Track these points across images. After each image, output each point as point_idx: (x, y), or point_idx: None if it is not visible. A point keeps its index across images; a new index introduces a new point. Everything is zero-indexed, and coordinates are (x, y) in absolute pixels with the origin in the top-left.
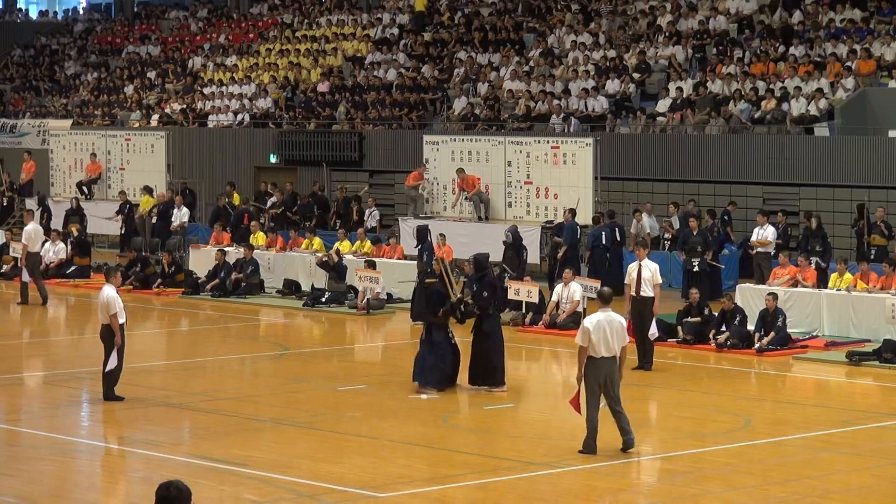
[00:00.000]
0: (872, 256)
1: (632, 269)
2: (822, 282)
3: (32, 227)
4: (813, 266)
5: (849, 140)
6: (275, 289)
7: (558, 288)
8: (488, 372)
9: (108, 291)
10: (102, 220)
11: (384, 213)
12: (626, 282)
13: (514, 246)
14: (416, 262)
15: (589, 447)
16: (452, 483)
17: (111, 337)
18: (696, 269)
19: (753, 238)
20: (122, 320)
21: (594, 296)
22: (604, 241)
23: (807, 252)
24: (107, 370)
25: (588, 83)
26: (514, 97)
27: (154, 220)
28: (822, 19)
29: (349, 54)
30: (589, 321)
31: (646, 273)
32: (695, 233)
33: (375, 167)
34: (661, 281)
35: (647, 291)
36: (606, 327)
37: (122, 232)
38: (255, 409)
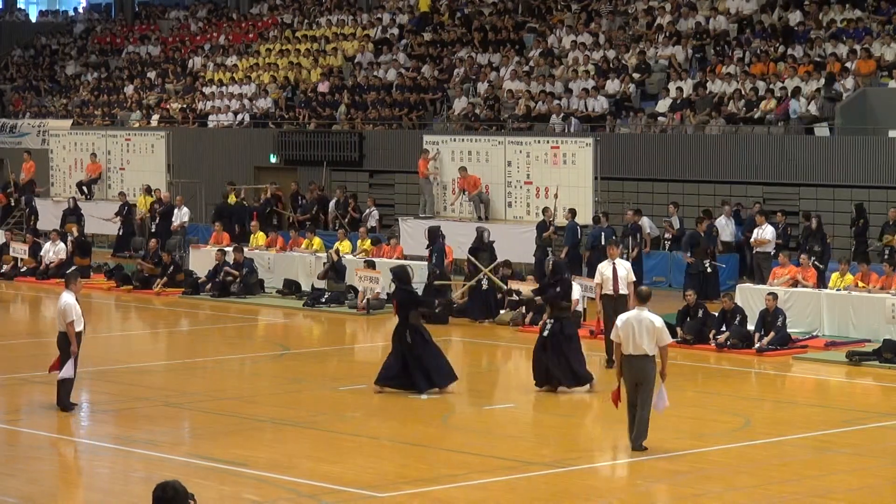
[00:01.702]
0: (886, 256)
1: (604, 267)
2: (822, 282)
3: None
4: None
5: (849, 140)
6: (275, 289)
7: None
8: (574, 373)
9: (67, 299)
10: (102, 221)
11: (384, 213)
12: (596, 281)
13: (489, 248)
14: (425, 264)
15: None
16: (452, 483)
17: (67, 345)
18: (708, 269)
19: (753, 238)
20: (79, 328)
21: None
22: (602, 242)
23: (806, 252)
24: (61, 378)
25: (588, 83)
26: (514, 97)
27: (157, 219)
28: (823, 19)
29: (349, 54)
30: (620, 317)
31: (621, 271)
32: (703, 234)
33: (375, 167)
34: (634, 279)
35: (623, 290)
36: (635, 325)
37: (121, 233)
38: (255, 409)
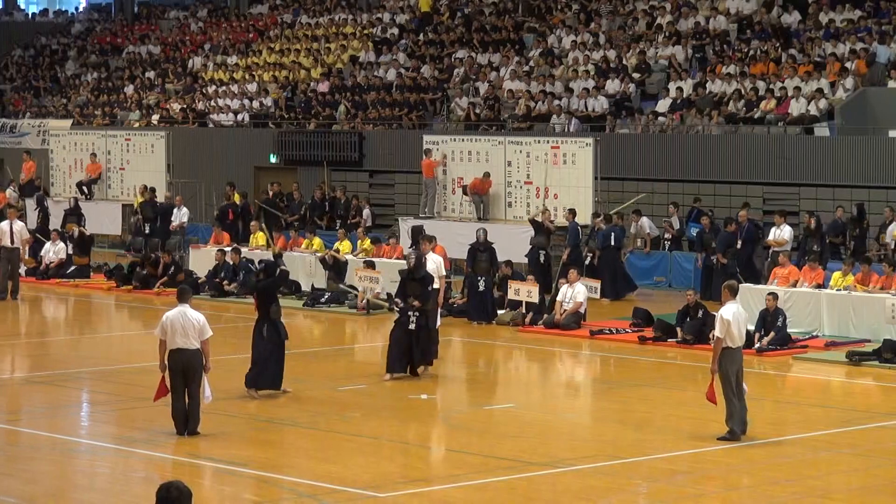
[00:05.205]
0: (882, 256)
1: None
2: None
3: None
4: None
5: (849, 140)
6: None
7: (564, 288)
8: (427, 354)
9: (197, 315)
10: (102, 220)
11: (384, 213)
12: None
13: (488, 248)
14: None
15: (733, 434)
16: (452, 483)
17: (199, 364)
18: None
19: (770, 237)
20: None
21: (596, 296)
22: (612, 242)
23: (805, 252)
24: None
25: (588, 83)
26: (514, 97)
27: (149, 220)
28: (823, 19)
29: (349, 54)
30: (727, 313)
31: (430, 265)
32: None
33: (375, 167)
34: (444, 274)
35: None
36: (740, 318)
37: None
38: (255, 409)
